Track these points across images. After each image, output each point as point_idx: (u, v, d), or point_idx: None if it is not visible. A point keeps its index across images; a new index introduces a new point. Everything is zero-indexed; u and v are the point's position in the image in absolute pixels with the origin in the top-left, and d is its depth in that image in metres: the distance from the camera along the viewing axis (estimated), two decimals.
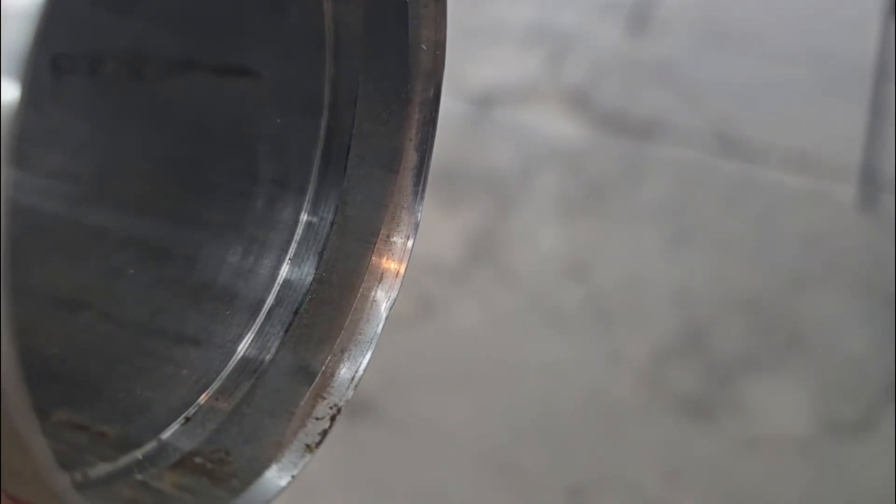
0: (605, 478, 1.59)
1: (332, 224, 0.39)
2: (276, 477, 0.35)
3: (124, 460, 0.35)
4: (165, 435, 0.37)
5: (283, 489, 0.35)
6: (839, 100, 2.34)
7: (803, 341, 1.81)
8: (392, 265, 0.38)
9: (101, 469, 0.34)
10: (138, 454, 0.36)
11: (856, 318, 1.85)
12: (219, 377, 0.39)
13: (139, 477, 0.35)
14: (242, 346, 0.39)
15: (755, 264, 1.96)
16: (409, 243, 0.38)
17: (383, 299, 0.38)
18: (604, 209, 2.08)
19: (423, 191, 0.37)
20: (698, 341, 1.79)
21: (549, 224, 2.04)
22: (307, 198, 0.39)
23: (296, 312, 0.39)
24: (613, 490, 1.58)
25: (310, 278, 0.39)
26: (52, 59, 0.38)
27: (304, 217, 0.39)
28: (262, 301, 0.39)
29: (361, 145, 0.38)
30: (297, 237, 0.39)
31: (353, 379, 0.38)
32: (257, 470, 0.35)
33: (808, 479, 1.60)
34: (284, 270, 0.40)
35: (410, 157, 0.37)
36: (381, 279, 0.38)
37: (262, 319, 0.39)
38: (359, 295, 0.38)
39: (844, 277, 1.95)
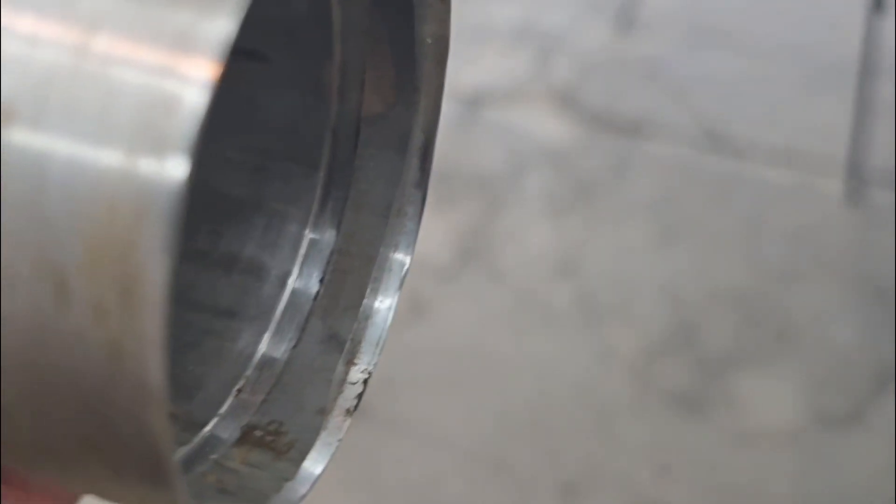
0: (598, 473, 1.60)
1: (346, 199, 0.41)
2: (326, 443, 0.39)
3: (197, 441, 0.38)
4: (223, 409, 0.39)
5: (334, 453, 0.39)
6: (824, 95, 2.36)
7: (792, 335, 1.83)
8: (405, 236, 0.41)
9: (182, 453, 0.37)
10: (206, 432, 0.39)
11: (844, 310, 1.87)
12: (258, 348, 0.41)
13: (213, 457, 0.38)
14: (275, 317, 0.41)
15: (743, 259, 1.97)
16: (420, 214, 0.41)
17: (399, 267, 0.41)
18: (593, 207, 2.10)
19: (430, 167, 0.40)
20: (688, 337, 1.81)
21: (538, 222, 2.05)
22: (321, 174, 0.41)
23: (321, 282, 0.41)
24: (606, 485, 1.59)
25: (330, 249, 0.42)
26: None
27: (319, 192, 0.41)
28: (288, 272, 0.42)
29: (370, 127, 0.40)
30: (314, 210, 0.41)
31: (377, 344, 0.41)
32: (310, 438, 0.39)
33: (798, 472, 1.61)
34: (306, 242, 0.42)
35: (417, 138, 0.39)
36: (396, 248, 0.41)
37: (289, 290, 0.42)
38: (377, 264, 0.41)
39: (832, 271, 1.96)
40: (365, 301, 0.41)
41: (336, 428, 0.39)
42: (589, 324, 1.83)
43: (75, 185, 0.24)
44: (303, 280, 0.42)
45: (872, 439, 1.65)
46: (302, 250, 0.42)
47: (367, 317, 0.41)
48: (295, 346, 0.41)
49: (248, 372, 0.40)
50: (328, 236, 0.41)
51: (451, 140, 2.22)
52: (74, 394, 0.25)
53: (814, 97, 2.37)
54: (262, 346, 0.41)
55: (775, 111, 2.35)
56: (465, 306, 1.87)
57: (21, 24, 0.25)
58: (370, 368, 0.40)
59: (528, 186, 2.13)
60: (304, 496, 0.37)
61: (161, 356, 0.24)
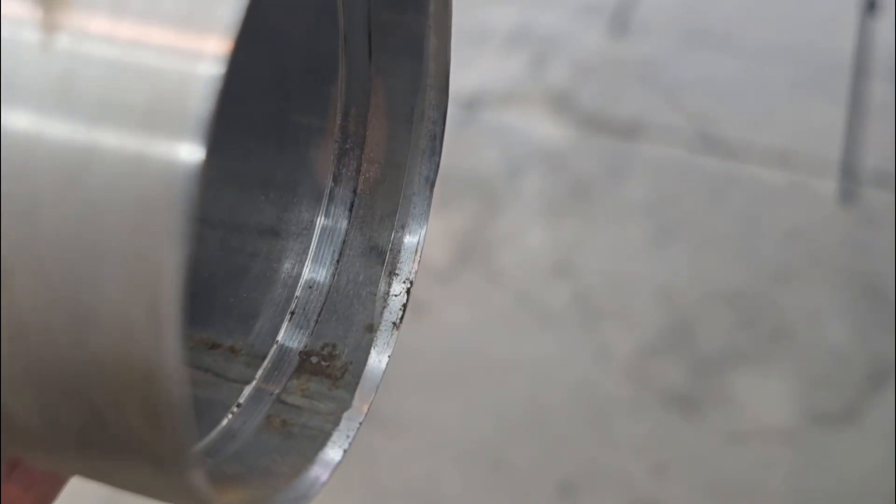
0: (595, 472, 1.61)
1: (367, 107, 0.41)
2: (377, 361, 0.40)
3: (260, 375, 0.39)
4: (280, 335, 0.41)
5: (385, 370, 0.40)
6: (818, 96, 2.37)
7: (787, 334, 1.84)
8: (429, 140, 0.41)
9: (247, 393, 0.39)
10: (267, 365, 0.40)
11: (838, 309, 1.88)
12: (305, 267, 0.42)
13: (276, 391, 0.39)
14: (316, 232, 0.42)
15: (738, 259, 1.98)
16: (443, 118, 0.40)
17: (428, 171, 0.41)
18: (589, 208, 2.11)
19: (448, 70, 0.40)
20: (684, 336, 1.82)
21: (535, 224, 2.06)
22: (340, 84, 0.41)
23: (354, 192, 0.42)
24: (603, 484, 1.60)
25: (360, 158, 0.42)
26: None
27: (341, 102, 0.41)
28: (323, 185, 0.42)
29: (382, 34, 0.40)
30: (338, 122, 0.42)
31: (416, 252, 0.41)
32: (361, 358, 0.40)
33: (794, 470, 1.62)
34: (335, 153, 0.42)
35: (431, 43, 0.39)
36: (423, 153, 0.41)
37: (326, 203, 0.42)
38: (406, 171, 0.41)
39: (827, 270, 1.97)
40: (399, 209, 0.41)
41: (385, 344, 0.40)
42: (586, 324, 1.84)
43: (84, 342, 0.24)
44: (338, 192, 0.42)
45: (867, 437, 1.65)
46: (333, 162, 0.42)
47: (403, 225, 0.41)
48: (338, 261, 0.41)
49: (298, 292, 0.41)
50: (356, 145, 0.41)
51: (448, 142, 2.23)
52: (122, 468, 0.27)
53: (807, 98, 2.38)
54: (308, 263, 0.42)
55: (769, 112, 2.36)
56: (462, 307, 1.88)
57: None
58: (412, 277, 0.41)
59: (525, 188, 2.14)
60: (361, 424, 0.38)
61: (195, 457, 0.26)
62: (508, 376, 1.75)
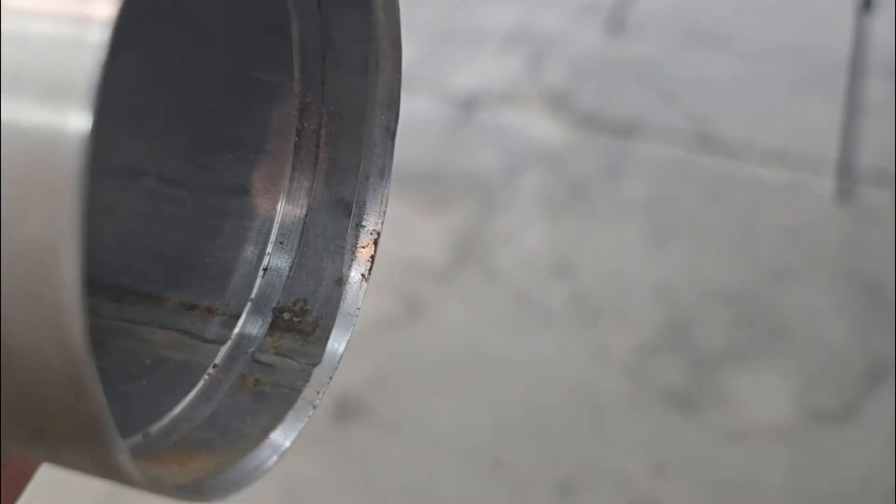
0: (594, 471, 1.61)
1: (323, 59, 0.41)
2: (347, 314, 0.40)
3: (235, 335, 0.41)
4: (254, 293, 0.42)
5: (356, 322, 0.40)
6: (815, 95, 2.37)
7: (786, 332, 1.84)
8: (387, 91, 0.41)
9: (223, 354, 0.40)
10: (242, 323, 0.41)
11: (836, 307, 1.88)
12: (274, 223, 0.43)
13: (250, 350, 0.40)
14: (283, 188, 0.43)
15: (737, 258, 1.98)
16: (398, 69, 0.40)
17: (387, 122, 0.41)
18: (587, 207, 2.11)
19: (398, 21, 0.39)
20: (682, 335, 1.82)
21: (533, 223, 2.06)
22: (294, 38, 0.41)
23: (317, 146, 0.42)
24: (602, 483, 1.60)
25: (320, 112, 0.42)
26: None
27: (297, 55, 0.42)
28: (287, 140, 0.43)
29: None
30: (296, 77, 0.42)
31: (381, 202, 0.42)
32: (332, 312, 0.40)
33: (792, 468, 1.62)
34: (296, 107, 0.42)
35: None
36: (381, 104, 0.41)
37: (291, 158, 0.43)
38: (367, 123, 0.41)
39: (825, 268, 1.97)
40: (362, 161, 0.41)
41: (354, 297, 0.40)
42: (584, 323, 1.84)
43: None
44: (302, 146, 0.42)
45: (866, 436, 1.66)
46: (295, 116, 0.42)
47: (367, 176, 0.41)
48: (306, 216, 0.42)
49: (269, 249, 0.42)
50: (316, 99, 0.42)
51: (446, 142, 2.23)
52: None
53: (804, 97, 2.38)
54: (277, 219, 0.42)
55: (766, 111, 2.36)
56: (460, 307, 1.88)
57: None
58: (378, 229, 0.41)
59: (523, 187, 2.14)
60: (331, 378, 0.39)
61: (124, 454, 0.27)
62: (507, 376, 1.75)
